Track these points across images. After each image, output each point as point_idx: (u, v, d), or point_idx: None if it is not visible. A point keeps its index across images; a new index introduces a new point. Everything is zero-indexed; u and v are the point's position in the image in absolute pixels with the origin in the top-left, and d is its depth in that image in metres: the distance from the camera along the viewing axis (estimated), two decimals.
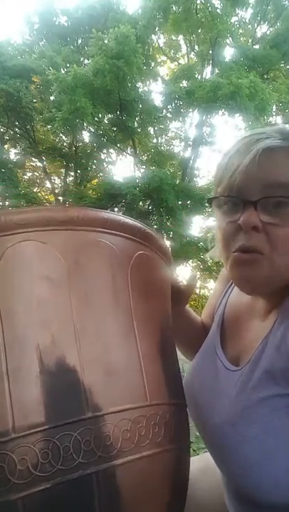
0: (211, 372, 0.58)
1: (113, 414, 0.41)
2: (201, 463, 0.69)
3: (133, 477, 0.41)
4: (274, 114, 12.09)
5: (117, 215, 0.51)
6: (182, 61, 13.30)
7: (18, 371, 0.39)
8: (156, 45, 12.90)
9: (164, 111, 11.51)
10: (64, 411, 0.39)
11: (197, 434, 0.59)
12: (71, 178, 14.13)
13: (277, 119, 13.23)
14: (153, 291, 0.53)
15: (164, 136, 14.00)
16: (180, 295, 0.65)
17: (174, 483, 0.45)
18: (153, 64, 12.44)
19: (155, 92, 11.82)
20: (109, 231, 0.49)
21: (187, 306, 0.72)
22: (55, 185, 13.99)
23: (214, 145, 12.64)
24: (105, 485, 0.39)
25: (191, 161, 12.44)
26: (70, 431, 0.39)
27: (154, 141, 13.43)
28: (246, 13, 12.04)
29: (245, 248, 0.49)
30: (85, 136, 12.76)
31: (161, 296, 0.55)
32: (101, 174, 14.19)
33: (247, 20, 12.34)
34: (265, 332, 0.51)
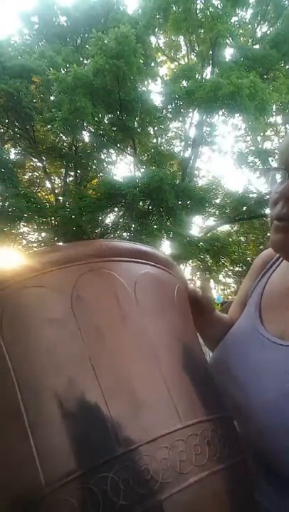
0: (254, 348, 0.59)
1: (148, 444, 0.38)
2: None
3: (183, 509, 0.37)
4: (274, 114, 12.10)
5: (110, 241, 0.51)
6: (182, 61, 13.31)
7: (39, 423, 0.38)
8: (156, 45, 12.91)
9: (164, 111, 11.51)
10: (94, 452, 0.37)
11: None
12: (71, 178, 14.14)
13: (277, 119, 13.25)
14: (166, 307, 0.51)
15: (164, 136, 14.01)
16: (200, 304, 0.65)
17: (232, 505, 0.40)
18: (153, 64, 12.44)
19: (155, 92, 11.84)
20: (103, 259, 0.48)
21: (217, 313, 0.71)
22: (55, 185, 14.00)
23: (214, 145, 12.68)
24: None
25: (191, 161, 12.45)
26: (105, 472, 0.36)
27: (154, 141, 13.43)
28: (246, 13, 12.07)
29: (279, 216, 0.53)
30: (85, 136, 12.78)
31: (176, 311, 0.53)
32: (101, 174, 14.20)
33: (247, 20, 12.35)
34: None
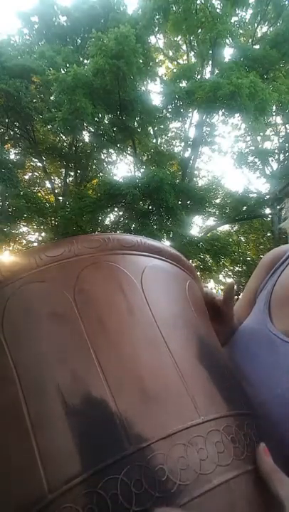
0: (263, 345, 0.59)
1: (161, 441, 0.33)
2: None
3: None
4: (274, 114, 12.10)
5: (113, 234, 0.49)
6: (182, 61, 13.31)
7: (42, 421, 0.35)
8: (156, 45, 12.92)
9: (164, 111, 11.51)
10: (101, 452, 0.33)
11: None
12: (71, 178, 14.15)
13: (277, 119, 13.25)
14: (177, 299, 0.49)
15: (164, 136, 14.03)
16: (218, 312, 0.63)
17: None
18: (153, 64, 12.45)
19: (155, 92, 11.88)
20: (106, 252, 0.47)
21: (235, 319, 0.69)
22: (55, 185, 14.00)
23: (214, 145, 12.70)
24: None
25: (191, 161, 12.45)
26: (114, 474, 0.31)
27: (154, 141, 13.44)
28: (246, 13, 12.07)
29: None
30: (85, 136, 12.78)
31: (188, 304, 0.50)
32: (101, 174, 14.21)
33: (247, 20, 12.36)
34: None
